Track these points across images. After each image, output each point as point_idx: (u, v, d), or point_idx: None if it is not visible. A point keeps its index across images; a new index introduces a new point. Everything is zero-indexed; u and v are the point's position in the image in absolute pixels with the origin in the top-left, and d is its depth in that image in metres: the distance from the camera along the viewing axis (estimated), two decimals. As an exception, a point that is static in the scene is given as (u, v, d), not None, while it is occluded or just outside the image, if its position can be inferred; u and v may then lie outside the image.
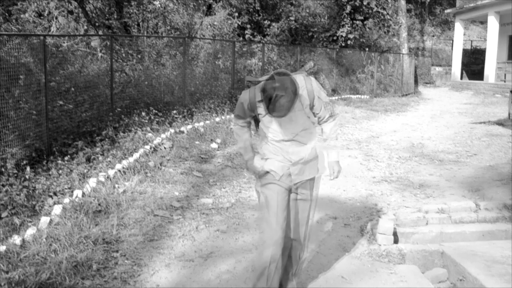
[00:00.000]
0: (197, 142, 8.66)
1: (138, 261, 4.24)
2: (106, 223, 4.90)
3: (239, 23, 19.80)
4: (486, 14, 22.92)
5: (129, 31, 14.96)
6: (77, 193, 5.48)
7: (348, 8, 19.76)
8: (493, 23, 22.54)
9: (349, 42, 19.99)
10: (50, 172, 6.12)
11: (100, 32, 13.72)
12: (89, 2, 14.41)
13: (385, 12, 20.72)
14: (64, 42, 11.24)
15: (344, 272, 4.06)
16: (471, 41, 31.94)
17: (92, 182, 5.83)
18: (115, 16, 14.77)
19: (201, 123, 9.80)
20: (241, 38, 20.03)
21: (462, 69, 26.99)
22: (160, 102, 10.27)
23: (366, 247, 4.57)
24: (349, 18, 20.01)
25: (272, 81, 2.91)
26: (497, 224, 4.89)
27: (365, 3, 19.76)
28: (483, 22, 29.45)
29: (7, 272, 3.81)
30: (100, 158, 6.85)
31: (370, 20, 20.80)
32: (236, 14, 19.74)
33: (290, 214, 3.38)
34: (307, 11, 21.51)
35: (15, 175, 5.73)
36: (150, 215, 5.27)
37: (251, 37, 19.88)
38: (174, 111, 9.94)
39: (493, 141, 10.01)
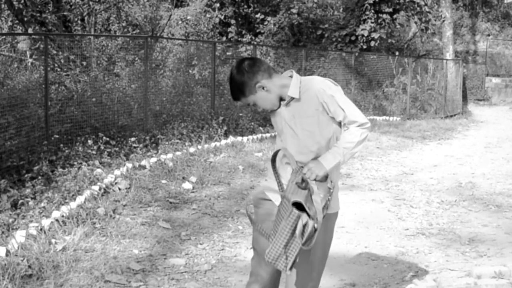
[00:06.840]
0: (164, 181, 8.79)
1: None
2: (39, 292, 4.98)
3: (222, 17, 20.12)
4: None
5: (70, 28, 15.18)
6: (-1, 251, 5.55)
7: (372, -4, 20.08)
8: None
9: (372, 43, 20.26)
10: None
11: (30, 30, 13.92)
12: (15, -11, 14.65)
13: (422, 3, 20.95)
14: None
15: None
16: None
17: (19, 236, 5.91)
18: (51, 9, 14.99)
19: (170, 155, 9.94)
20: (224, 38, 20.33)
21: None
22: (113, 126, 10.43)
23: (396, 325, 4.77)
24: (373, 11, 20.29)
25: None
26: None
27: (394, -10, 20.11)
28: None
29: None
30: (31, 203, 6.93)
31: (402, 13, 21.09)
32: (218, 5, 20.08)
33: None
34: (315, 1, 21.82)
35: None
36: (99, 281, 5.34)
37: (237, 37, 20.15)
38: (133, 139, 10.09)
39: None
